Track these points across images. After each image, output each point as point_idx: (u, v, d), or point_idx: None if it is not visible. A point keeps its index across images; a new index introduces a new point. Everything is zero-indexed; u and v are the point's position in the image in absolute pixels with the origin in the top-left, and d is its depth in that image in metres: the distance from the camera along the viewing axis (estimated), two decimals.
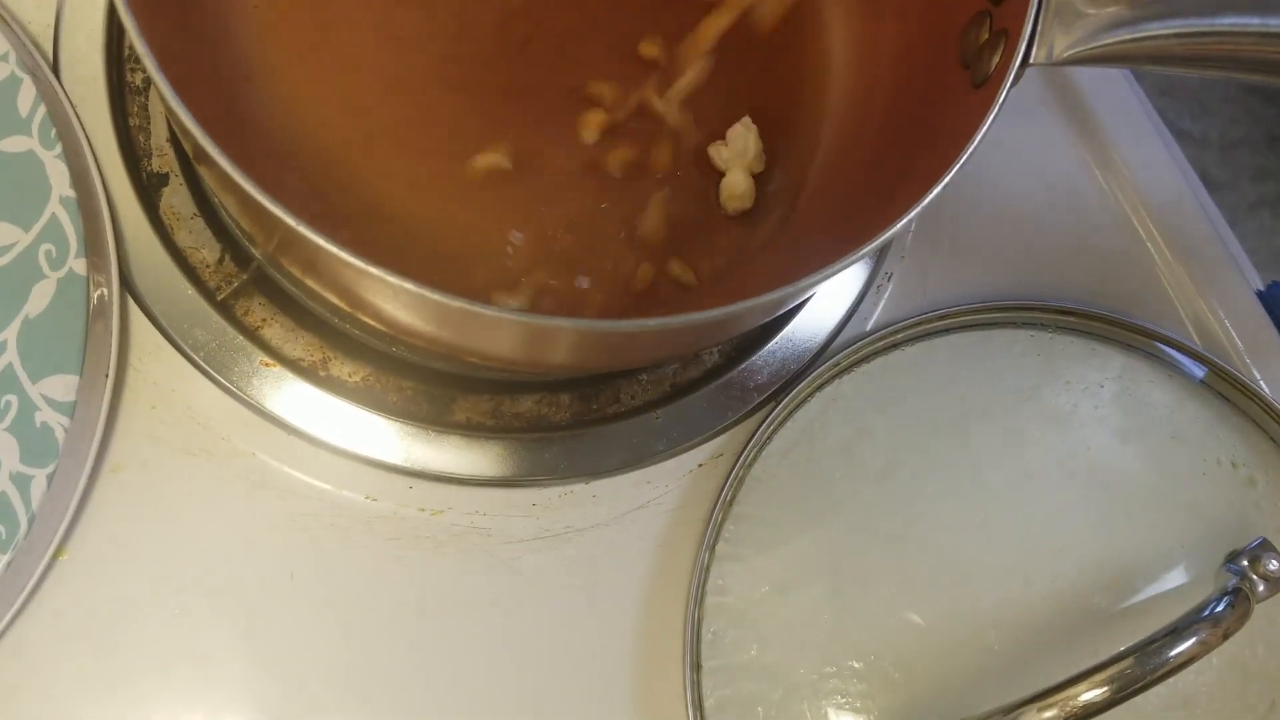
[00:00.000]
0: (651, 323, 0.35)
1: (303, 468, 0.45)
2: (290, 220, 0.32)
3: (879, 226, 0.38)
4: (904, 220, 0.36)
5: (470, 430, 0.46)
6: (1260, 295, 0.58)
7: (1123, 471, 0.49)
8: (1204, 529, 0.49)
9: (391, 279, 0.33)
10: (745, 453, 0.48)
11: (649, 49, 0.48)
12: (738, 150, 0.47)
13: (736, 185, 0.47)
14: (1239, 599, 0.43)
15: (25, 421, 0.41)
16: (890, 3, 0.48)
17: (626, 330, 0.35)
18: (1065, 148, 0.54)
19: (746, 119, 0.48)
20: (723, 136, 0.48)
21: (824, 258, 0.41)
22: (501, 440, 0.46)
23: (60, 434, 0.41)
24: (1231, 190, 1.58)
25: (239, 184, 0.33)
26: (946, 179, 0.37)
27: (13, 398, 0.41)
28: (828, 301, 0.51)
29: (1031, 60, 0.38)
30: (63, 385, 0.42)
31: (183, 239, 0.46)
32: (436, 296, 0.33)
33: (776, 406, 0.48)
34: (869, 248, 0.36)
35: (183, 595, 0.43)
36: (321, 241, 0.32)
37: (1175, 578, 0.48)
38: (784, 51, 0.50)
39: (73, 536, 0.43)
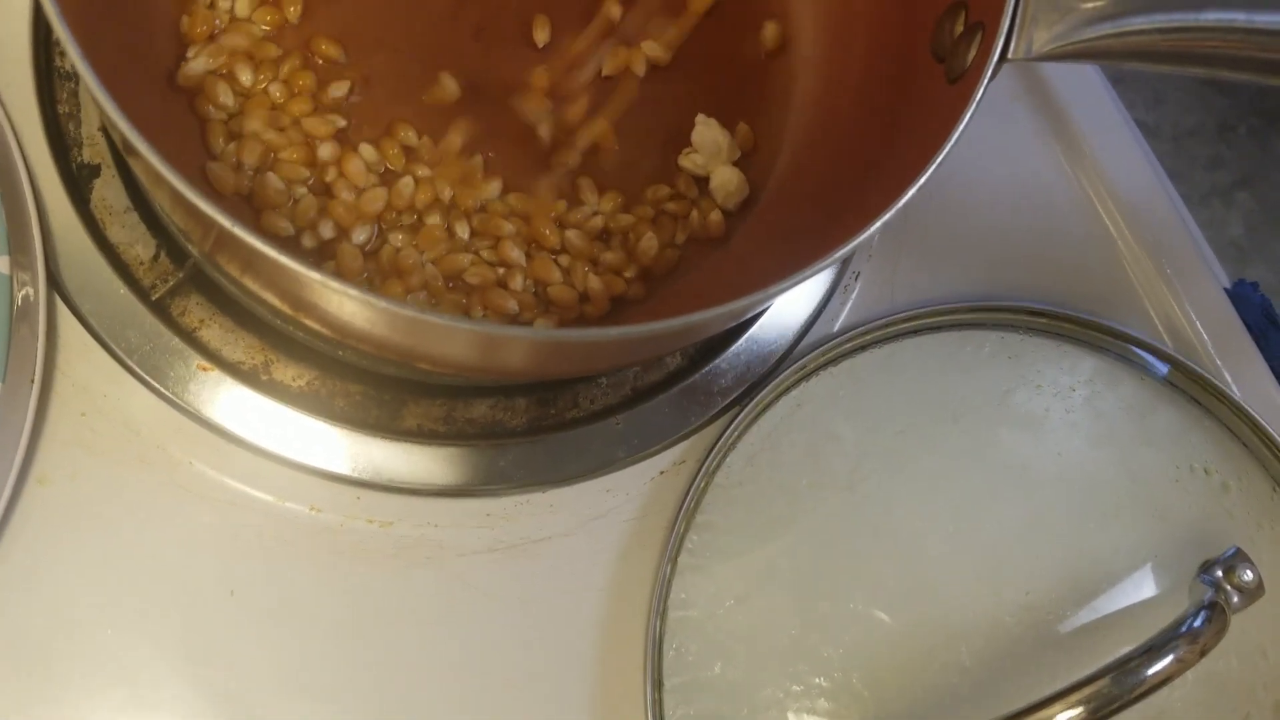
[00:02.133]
0: (612, 331, 0.33)
1: (244, 478, 0.43)
2: (224, 221, 0.30)
3: (847, 231, 0.36)
4: (874, 226, 0.35)
5: (421, 437, 0.44)
6: (1228, 293, 0.57)
7: (1095, 478, 0.48)
8: (1177, 537, 0.47)
9: (335, 285, 0.31)
10: (709, 459, 0.46)
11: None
12: (709, 150, 0.45)
13: (727, 182, 0.45)
14: (1215, 614, 0.42)
15: None
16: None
17: (582, 340, 0.33)
18: (1036, 144, 0.53)
19: (700, 116, 0.46)
20: (687, 138, 0.46)
21: (789, 262, 0.39)
22: (454, 447, 0.44)
23: None
24: (1184, 180, 1.58)
25: (171, 183, 0.30)
26: (920, 181, 0.35)
27: None
28: (794, 303, 0.49)
29: (1010, 55, 0.37)
30: None
31: (115, 234, 0.44)
32: (383, 304, 0.31)
33: (741, 411, 0.47)
34: (836, 255, 0.34)
35: (116, 613, 0.41)
36: (257, 244, 0.30)
37: (1149, 588, 0.47)
38: (746, 40, 0.48)
39: None
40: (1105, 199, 0.52)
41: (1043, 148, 0.53)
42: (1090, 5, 0.37)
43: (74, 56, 0.31)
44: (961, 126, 0.36)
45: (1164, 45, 0.37)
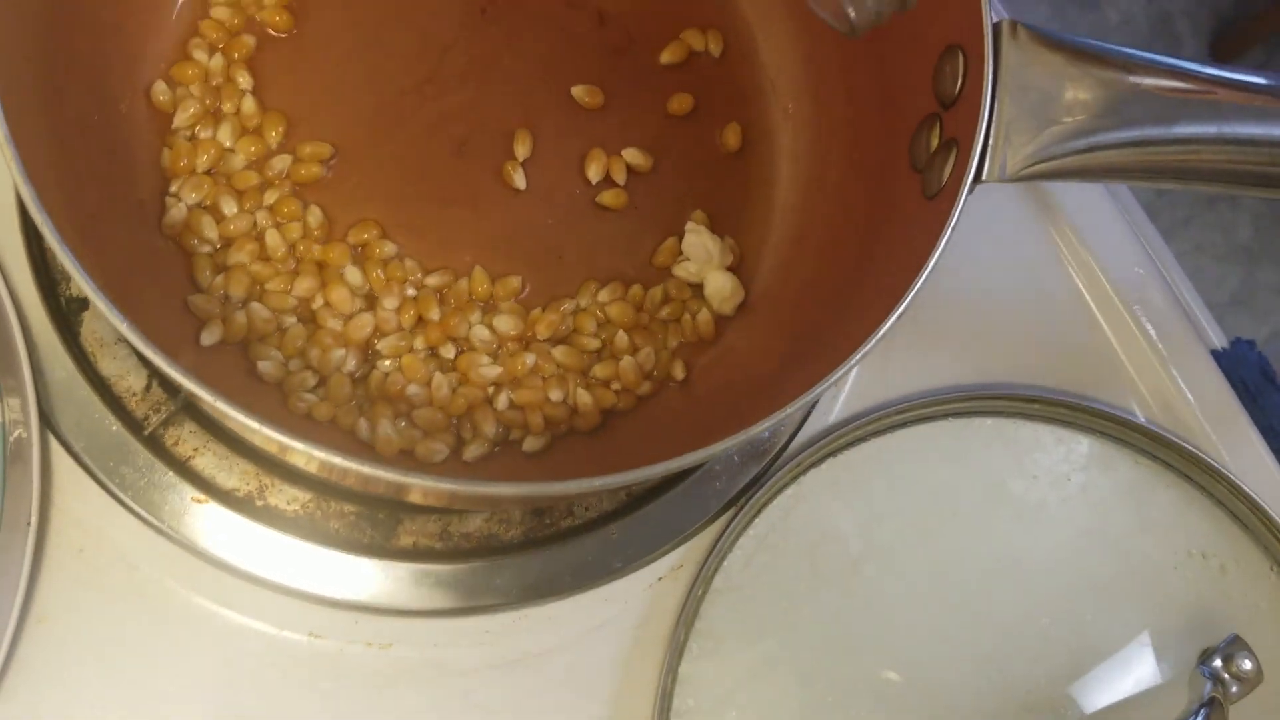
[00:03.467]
0: (595, 482, 0.33)
1: (241, 608, 0.43)
2: (203, 392, 0.30)
3: (831, 350, 0.36)
4: (857, 357, 0.35)
5: (417, 555, 0.44)
6: (1223, 353, 0.57)
7: (1093, 567, 0.48)
8: (1177, 623, 0.47)
9: (295, 444, 0.31)
10: (706, 563, 0.46)
11: None
12: (701, 257, 0.46)
13: (721, 288, 0.46)
14: (1214, 710, 0.42)
15: None
16: (839, 95, 0.46)
17: (555, 493, 0.33)
18: (1024, 230, 0.52)
19: (692, 223, 0.46)
20: (670, 240, 0.46)
21: (772, 376, 0.40)
22: (450, 565, 0.44)
23: None
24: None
25: (151, 358, 0.31)
26: (900, 309, 0.35)
27: None
28: None
29: (984, 177, 0.37)
30: None
31: (106, 367, 0.44)
32: (354, 466, 0.31)
33: (737, 513, 0.47)
34: (810, 395, 0.34)
35: None
36: (231, 410, 0.30)
37: (1150, 675, 0.47)
38: (729, 154, 0.48)
39: (1, 691, 0.41)
40: (1094, 280, 0.52)
41: (1031, 233, 0.53)
42: (1062, 124, 0.37)
43: (41, 223, 0.31)
44: (938, 251, 0.36)
45: (1137, 161, 0.37)
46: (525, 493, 0.32)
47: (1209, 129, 0.36)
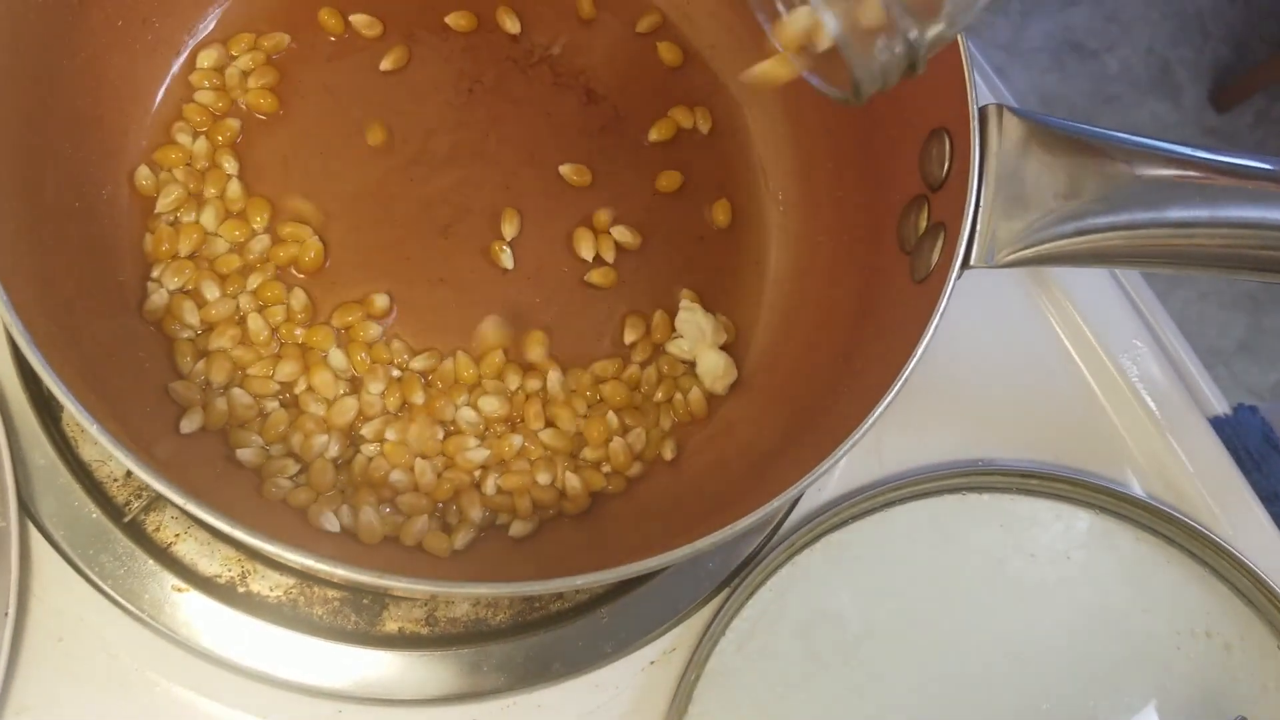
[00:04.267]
0: (579, 580, 0.32)
1: (223, 698, 0.42)
2: (171, 493, 0.30)
3: (822, 437, 0.36)
4: (846, 447, 0.34)
5: (403, 642, 0.44)
6: (1225, 420, 0.56)
7: (1095, 648, 0.47)
8: (1182, 704, 0.46)
9: (289, 555, 0.30)
10: (699, 647, 0.45)
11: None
12: (694, 335, 0.45)
13: (713, 367, 0.45)
14: None
15: None
16: (826, 174, 0.46)
17: (539, 591, 0.32)
18: (1019, 304, 0.52)
19: (685, 300, 0.46)
20: (659, 314, 0.46)
21: (763, 457, 0.39)
22: (437, 651, 0.44)
23: None
24: None
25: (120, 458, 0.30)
26: (890, 397, 0.35)
27: None
28: None
29: (972, 263, 0.36)
30: None
31: (87, 452, 0.43)
32: (329, 568, 0.31)
33: (731, 594, 0.46)
34: (799, 487, 0.34)
35: None
36: (201, 513, 0.30)
37: None
38: (718, 231, 0.48)
39: None
40: (1089, 352, 0.52)
41: (1025, 307, 0.52)
42: (1051, 209, 0.36)
43: (10, 324, 0.31)
44: (927, 338, 0.35)
45: (1128, 245, 0.36)
46: (506, 592, 0.31)
47: (1202, 213, 0.36)
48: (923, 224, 0.39)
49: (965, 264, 0.36)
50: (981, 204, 0.37)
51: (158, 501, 0.43)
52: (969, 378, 0.51)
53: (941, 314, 0.35)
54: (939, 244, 0.38)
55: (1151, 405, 0.51)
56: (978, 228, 0.36)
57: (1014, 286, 0.52)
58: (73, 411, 0.30)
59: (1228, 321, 1.54)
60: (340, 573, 0.31)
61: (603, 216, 0.47)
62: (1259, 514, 0.51)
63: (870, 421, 0.34)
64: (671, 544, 0.33)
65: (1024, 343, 0.52)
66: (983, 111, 0.37)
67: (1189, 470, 0.51)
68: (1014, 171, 0.37)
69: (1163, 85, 1.57)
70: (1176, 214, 0.36)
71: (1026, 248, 0.36)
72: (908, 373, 0.35)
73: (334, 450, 0.42)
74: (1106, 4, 1.62)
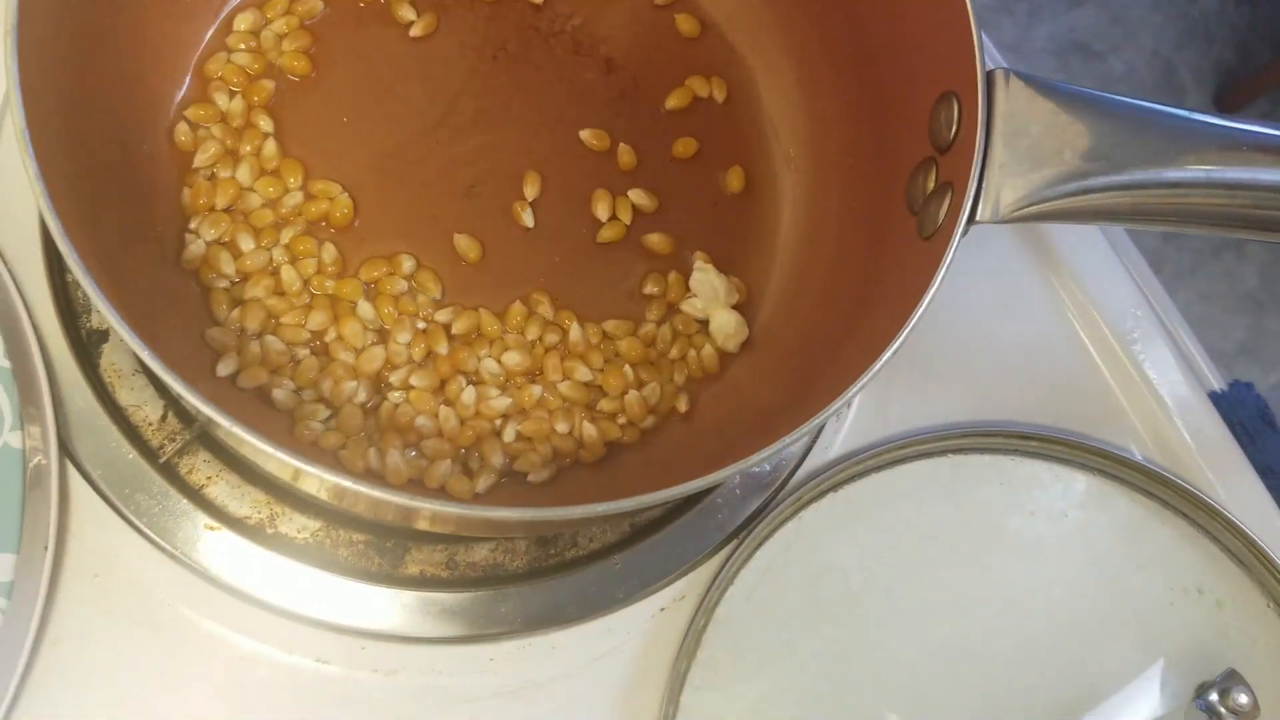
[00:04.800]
0: (599, 508, 0.34)
1: (252, 633, 0.44)
2: (223, 420, 0.32)
3: (830, 383, 0.37)
4: (853, 390, 0.36)
5: (424, 584, 0.45)
6: (1221, 395, 0.58)
7: (1090, 603, 0.48)
8: (1173, 658, 0.48)
9: (327, 476, 0.32)
10: (708, 595, 0.47)
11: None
12: (708, 295, 0.47)
13: (725, 325, 0.47)
14: None
15: None
16: (838, 140, 0.48)
17: (561, 518, 0.34)
18: (1021, 271, 0.54)
19: (699, 261, 0.47)
20: (675, 276, 0.47)
21: (773, 410, 0.41)
22: (456, 593, 0.45)
23: None
24: (1197, 234, 1.59)
25: (170, 385, 0.32)
26: (896, 345, 0.36)
27: None
28: None
29: (977, 218, 0.38)
30: (0, 565, 0.41)
31: (124, 397, 0.45)
32: (369, 491, 0.32)
33: (739, 545, 0.47)
34: (818, 419, 0.35)
35: None
36: (246, 435, 0.31)
37: (1147, 710, 0.47)
38: (732, 196, 0.50)
39: (14, 713, 0.42)
40: (1090, 320, 0.53)
41: (1027, 274, 0.54)
42: (1054, 167, 0.38)
43: (72, 263, 0.32)
44: (933, 288, 0.37)
45: (1127, 203, 0.38)
46: (529, 517, 0.33)
47: (1198, 173, 0.38)
48: (930, 185, 0.41)
49: (971, 219, 0.38)
50: (988, 163, 0.38)
51: (191, 445, 0.45)
52: (974, 345, 0.53)
53: (947, 267, 0.37)
54: (946, 202, 0.39)
55: (1151, 375, 0.53)
56: (984, 186, 0.38)
57: (1019, 258, 0.54)
58: (126, 339, 0.32)
59: (1229, 324, 1.55)
60: (375, 494, 0.32)
61: (620, 180, 0.48)
62: (1253, 481, 0.53)
63: (877, 367, 0.36)
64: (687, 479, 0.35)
65: (1027, 312, 0.54)
66: (990, 75, 0.39)
67: (1185, 437, 0.53)
68: (1019, 132, 0.38)
69: (1167, 88, 1.59)
70: (1173, 174, 0.38)
71: (1030, 205, 0.38)
72: (914, 321, 0.36)
73: (362, 396, 0.44)
74: (1112, 6, 1.64)
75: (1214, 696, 0.45)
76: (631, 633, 0.47)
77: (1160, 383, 0.53)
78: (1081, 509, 0.50)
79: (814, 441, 0.50)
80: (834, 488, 0.49)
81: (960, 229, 0.38)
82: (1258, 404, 0.61)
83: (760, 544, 0.48)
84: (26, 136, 0.33)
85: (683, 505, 0.48)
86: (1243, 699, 0.45)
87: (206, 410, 0.32)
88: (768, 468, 0.49)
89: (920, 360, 0.52)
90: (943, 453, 0.50)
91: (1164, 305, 0.57)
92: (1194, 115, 0.38)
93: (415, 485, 0.43)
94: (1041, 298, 0.54)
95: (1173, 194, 0.38)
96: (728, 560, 0.47)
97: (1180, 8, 1.66)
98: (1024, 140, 0.38)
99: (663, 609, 0.47)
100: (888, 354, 0.36)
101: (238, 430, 0.32)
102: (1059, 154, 0.38)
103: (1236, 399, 0.59)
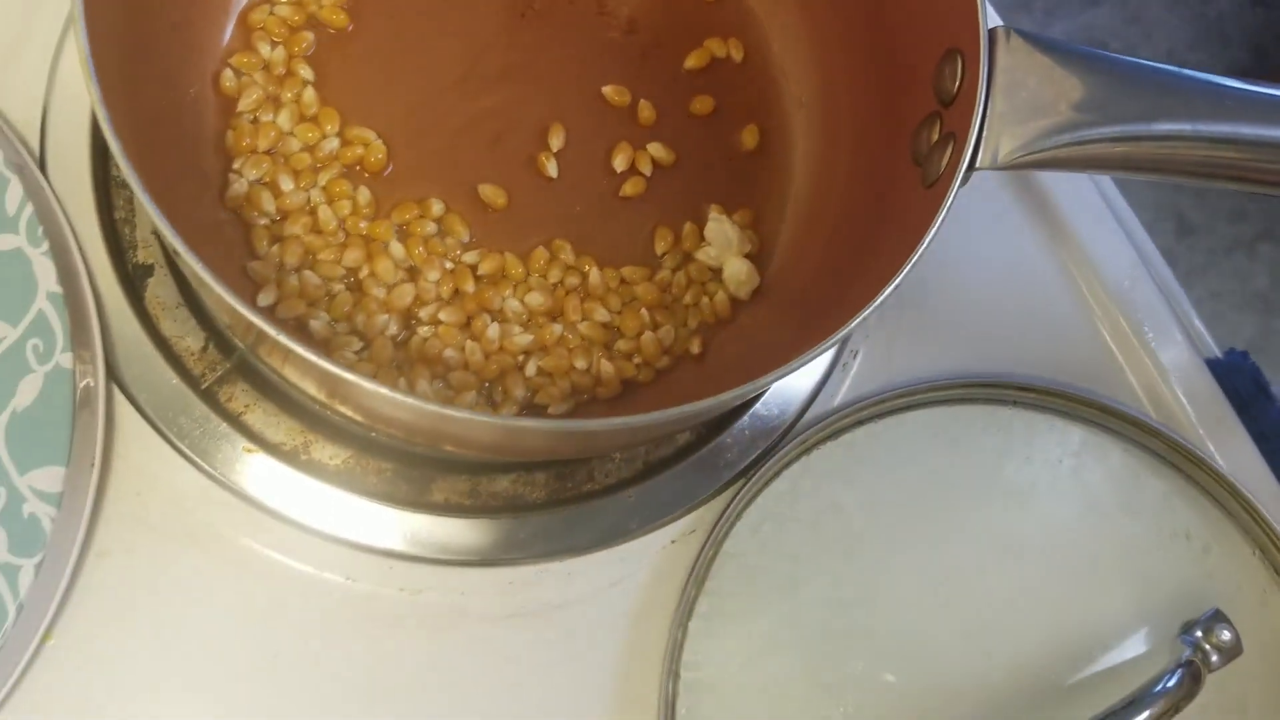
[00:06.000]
0: (617, 421, 0.36)
1: (285, 551, 0.46)
2: (266, 327, 0.34)
3: (836, 321, 0.40)
4: (857, 320, 0.38)
5: (448, 510, 0.48)
6: (1217, 362, 0.60)
7: (1081, 545, 0.50)
8: (1160, 599, 0.50)
9: (367, 385, 0.34)
10: (716, 529, 0.49)
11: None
12: (721, 244, 0.49)
13: (738, 273, 0.49)
14: (1189, 673, 0.44)
15: (13, 513, 0.42)
16: (848, 100, 0.50)
17: (585, 430, 0.36)
18: (1022, 229, 0.56)
19: (714, 211, 0.50)
20: (689, 225, 0.50)
21: (786, 343, 0.43)
22: (478, 520, 0.48)
23: (48, 525, 0.43)
24: (1208, 233, 1.60)
25: (219, 294, 0.34)
26: (895, 282, 0.39)
27: (1, 490, 0.43)
28: (795, 379, 0.52)
29: (977, 165, 0.40)
30: (50, 477, 0.43)
31: (168, 328, 0.48)
32: (409, 400, 0.35)
33: (747, 483, 0.50)
34: (824, 346, 0.38)
35: (168, 677, 0.44)
36: (293, 346, 0.34)
37: (1134, 647, 0.49)
38: (746, 152, 0.52)
39: (59, 622, 0.44)
40: (1089, 279, 0.56)
41: (1027, 232, 0.56)
42: (1051, 118, 0.40)
43: (134, 186, 0.35)
44: (933, 231, 0.39)
45: (1117, 154, 0.40)
46: (555, 428, 0.35)
47: (1185, 126, 0.40)
48: (934, 136, 0.43)
49: (972, 166, 0.40)
50: (989, 114, 0.41)
51: (229, 375, 0.48)
52: (976, 303, 0.55)
53: (948, 208, 0.39)
54: (948, 151, 0.42)
55: (1148, 334, 0.55)
56: (984, 134, 0.40)
57: (1022, 220, 0.56)
58: (193, 266, 0.34)
59: (1238, 322, 1.57)
60: (411, 402, 0.35)
61: (640, 135, 0.51)
62: (1244, 439, 0.55)
63: (881, 298, 0.38)
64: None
65: (1029, 273, 0.56)
66: (992, 33, 0.41)
67: (1180, 396, 0.55)
68: (1018, 85, 0.41)
69: None
70: (1162, 127, 0.40)
71: (1027, 153, 0.40)
72: (916, 258, 0.39)
73: (393, 329, 0.46)
74: (1129, 5, 1.66)
75: (1198, 633, 0.47)
76: (643, 563, 0.49)
77: (1157, 344, 0.55)
78: (1076, 457, 0.52)
79: (819, 390, 0.53)
80: (838, 433, 0.52)
81: (961, 174, 0.40)
82: (1252, 371, 0.63)
83: (767, 483, 0.50)
84: (91, 66, 0.36)
85: (694, 444, 0.51)
86: (1226, 635, 0.47)
87: (255, 320, 0.34)
88: (776, 411, 0.52)
89: (925, 315, 0.54)
90: (944, 402, 0.53)
91: (1161, 274, 0.59)
92: (1183, 72, 0.41)
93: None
94: (1043, 259, 0.56)
95: (1161, 145, 0.40)
96: (735, 497, 0.49)
97: (1195, 9, 1.67)
98: (1022, 92, 0.41)
99: (673, 541, 0.50)
100: (890, 288, 0.38)
101: (284, 340, 0.34)
102: (1055, 106, 0.40)
103: (1231, 366, 0.61)
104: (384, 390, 0.34)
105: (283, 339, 0.34)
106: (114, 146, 0.35)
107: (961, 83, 0.42)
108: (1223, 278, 1.59)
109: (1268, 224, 1.60)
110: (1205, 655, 0.47)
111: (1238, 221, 1.61)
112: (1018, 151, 0.40)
